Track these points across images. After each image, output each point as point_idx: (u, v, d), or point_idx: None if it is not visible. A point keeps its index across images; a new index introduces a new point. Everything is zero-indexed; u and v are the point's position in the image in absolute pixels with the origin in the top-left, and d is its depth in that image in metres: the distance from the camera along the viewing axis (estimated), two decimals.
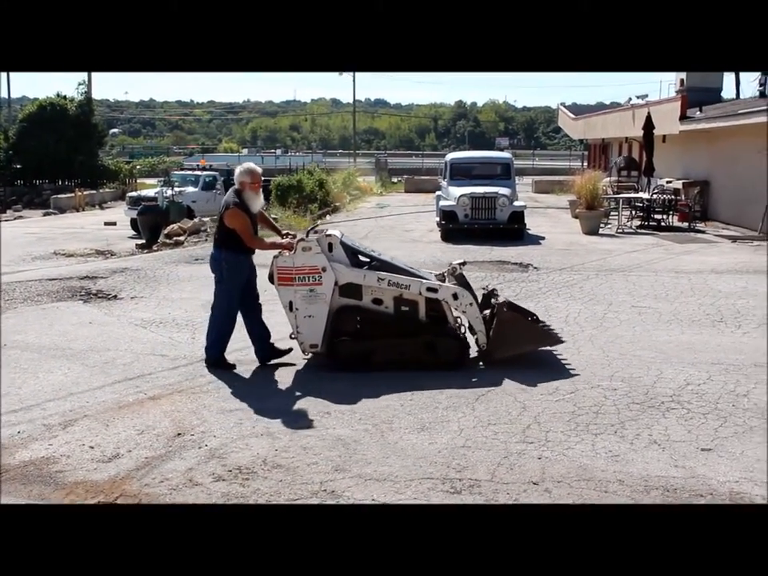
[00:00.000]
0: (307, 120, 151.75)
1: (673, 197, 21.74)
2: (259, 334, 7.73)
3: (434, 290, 7.53)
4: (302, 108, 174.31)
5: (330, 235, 7.51)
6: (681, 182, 23.57)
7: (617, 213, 21.19)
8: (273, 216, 20.64)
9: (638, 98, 32.66)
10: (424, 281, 7.60)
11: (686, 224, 20.83)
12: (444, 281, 7.91)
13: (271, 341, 7.78)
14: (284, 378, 7.20)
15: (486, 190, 17.99)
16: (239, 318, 7.69)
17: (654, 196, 21.50)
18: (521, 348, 7.58)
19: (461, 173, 19.59)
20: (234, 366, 7.57)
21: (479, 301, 7.88)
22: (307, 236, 7.44)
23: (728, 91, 52.71)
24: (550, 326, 8.30)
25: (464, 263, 8.23)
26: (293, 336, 7.60)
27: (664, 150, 25.39)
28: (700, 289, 11.58)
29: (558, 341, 7.89)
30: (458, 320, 7.76)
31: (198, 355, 7.85)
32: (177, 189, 22.76)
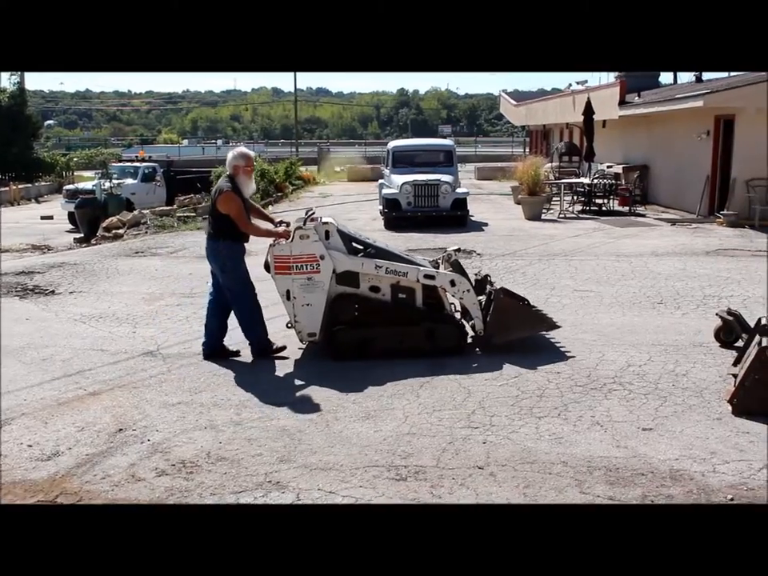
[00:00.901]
0: (248, 110, 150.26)
1: (613, 181, 22.02)
2: (214, 329, 7.59)
3: (432, 277, 7.55)
4: (243, 97, 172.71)
5: (326, 223, 7.43)
6: (621, 166, 23.90)
7: (558, 198, 21.41)
8: None
9: (578, 83, 32.98)
10: (421, 268, 7.63)
11: (626, 208, 21.12)
12: (438, 267, 7.96)
13: (224, 341, 7.65)
14: (228, 371, 7.11)
15: (428, 177, 18.01)
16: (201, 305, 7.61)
17: (595, 181, 21.76)
18: (518, 333, 7.60)
19: (403, 161, 19.57)
20: (284, 348, 7.57)
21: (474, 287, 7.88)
22: (304, 224, 7.30)
23: (666, 76, 53.63)
24: (542, 311, 8.31)
25: (459, 249, 8.26)
26: (289, 325, 7.56)
27: (604, 135, 25.70)
28: (640, 271, 11.75)
29: (553, 326, 7.89)
30: (453, 306, 7.82)
31: (140, 349, 7.73)
32: (115, 181, 22.38)
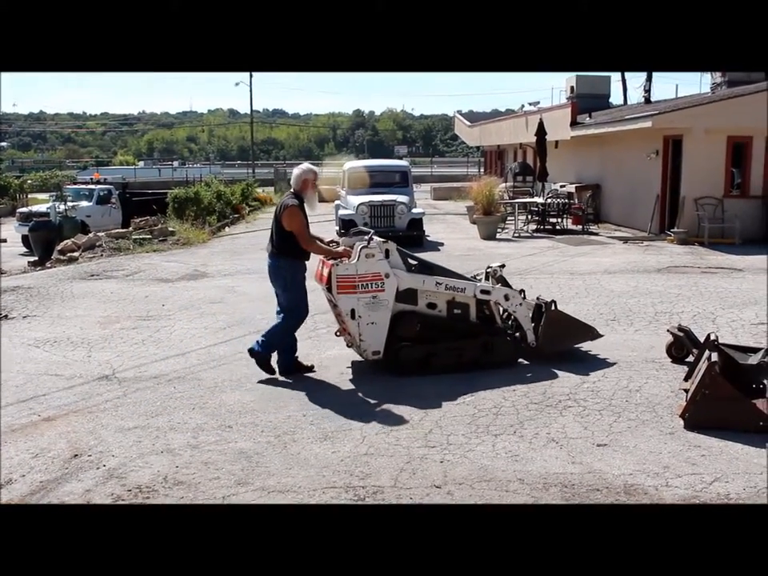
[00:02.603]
0: (204, 131, 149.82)
1: (566, 201, 22.33)
2: (288, 346, 7.67)
3: (488, 292, 7.80)
4: (199, 119, 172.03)
5: (386, 241, 7.54)
6: (574, 186, 24.23)
7: (513, 217, 21.65)
8: (170, 229, 20.40)
9: (530, 104, 33.49)
10: (478, 284, 7.88)
11: (579, 227, 21.42)
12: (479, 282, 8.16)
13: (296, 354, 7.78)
14: (184, 393, 7.08)
15: (384, 198, 18.13)
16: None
17: (549, 200, 22.05)
18: (566, 343, 8.02)
19: (359, 181, 19.66)
20: (312, 368, 7.68)
21: None
22: (368, 243, 7.35)
23: (616, 97, 54.46)
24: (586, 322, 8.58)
25: (503, 265, 8.52)
26: (338, 334, 8.03)
27: (557, 156, 26.04)
28: (594, 289, 11.92)
29: (597, 335, 8.17)
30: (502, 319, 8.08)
31: (95, 373, 7.67)
32: (70, 203, 22.14)
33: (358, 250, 7.31)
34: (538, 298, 8.38)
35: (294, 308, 7.50)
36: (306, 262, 7.56)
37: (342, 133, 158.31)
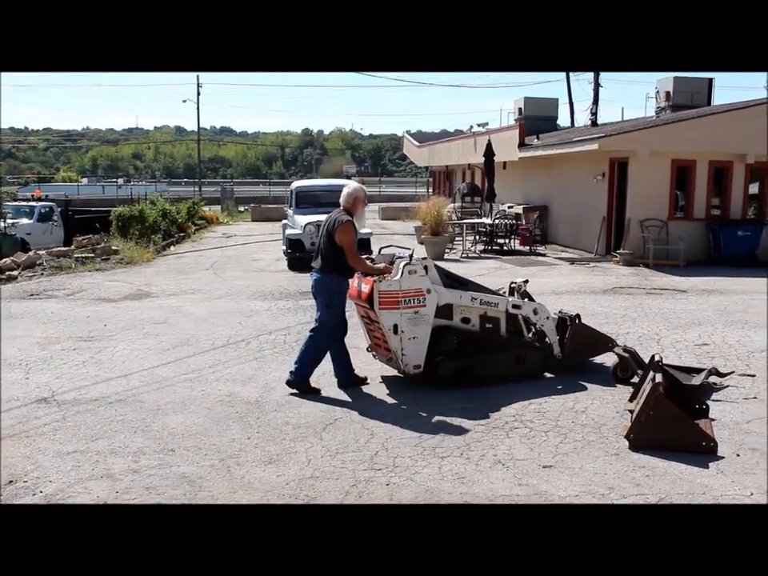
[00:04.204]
0: (150, 148, 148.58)
1: (514, 221, 22.54)
2: (342, 359, 7.86)
3: (519, 307, 8.15)
4: (145, 136, 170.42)
5: (425, 258, 7.92)
6: (521, 207, 24.45)
7: (461, 238, 21.75)
8: (114, 247, 20.09)
9: (479, 125, 33.79)
10: (510, 299, 8.24)
11: (527, 247, 21.61)
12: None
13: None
14: (125, 416, 6.91)
15: None
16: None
17: (496, 221, 22.21)
18: (590, 354, 8.39)
19: (307, 201, 19.54)
20: (319, 391, 7.62)
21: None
22: (411, 260, 7.53)
23: (564, 120, 55.30)
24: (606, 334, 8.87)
25: (527, 281, 8.88)
26: (369, 349, 8.26)
27: (505, 177, 26.29)
28: None
29: (615, 345, 8.38)
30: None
31: (33, 396, 7.46)
32: (9, 221, 21.72)
33: (401, 266, 7.48)
34: (560, 312, 8.67)
35: (332, 324, 7.67)
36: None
37: (290, 151, 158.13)
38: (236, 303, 12.88)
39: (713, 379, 7.70)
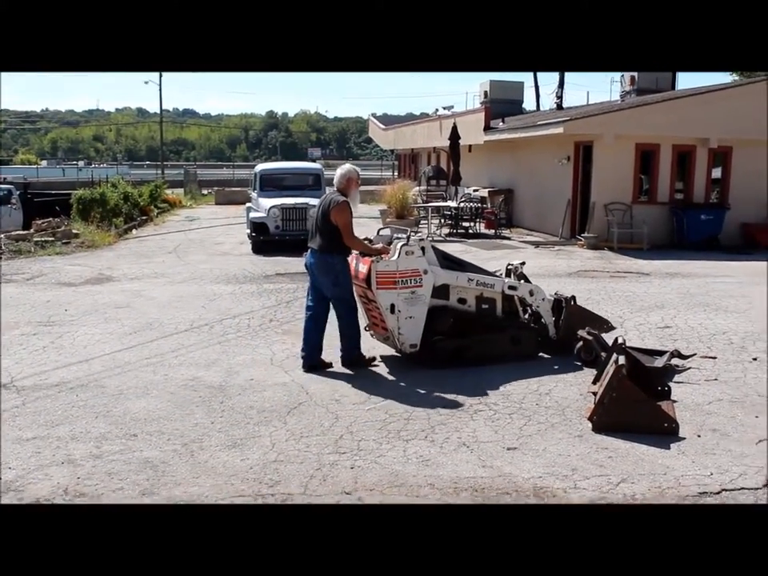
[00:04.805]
0: (112, 130, 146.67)
1: (479, 205, 22.54)
2: (316, 343, 7.85)
3: (515, 288, 8.26)
4: (106, 117, 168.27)
5: (422, 239, 8.07)
6: (487, 190, 24.47)
7: (426, 221, 21.74)
8: (74, 231, 19.82)
9: (444, 108, 33.67)
10: (506, 280, 8.33)
11: (492, 231, 21.65)
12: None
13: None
14: (87, 401, 6.82)
15: (296, 200, 17.93)
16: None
17: (462, 204, 22.21)
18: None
19: (271, 184, 19.42)
20: (374, 359, 7.99)
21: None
22: (408, 241, 7.60)
23: (529, 103, 55.38)
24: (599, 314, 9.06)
25: (524, 263, 8.95)
26: (367, 328, 8.35)
27: (470, 160, 26.30)
28: None
29: (611, 327, 8.65)
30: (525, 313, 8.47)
31: None
32: None
33: (398, 247, 7.56)
34: (556, 293, 8.81)
35: (348, 299, 7.78)
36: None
37: (254, 134, 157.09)
38: (199, 287, 12.78)
39: (675, 361, 7.77)
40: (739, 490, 5.03)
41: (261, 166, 21.42)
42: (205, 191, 44.54)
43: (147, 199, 28.69)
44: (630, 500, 4.84)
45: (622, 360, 6.25)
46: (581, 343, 7.97)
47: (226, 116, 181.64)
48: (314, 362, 7.77)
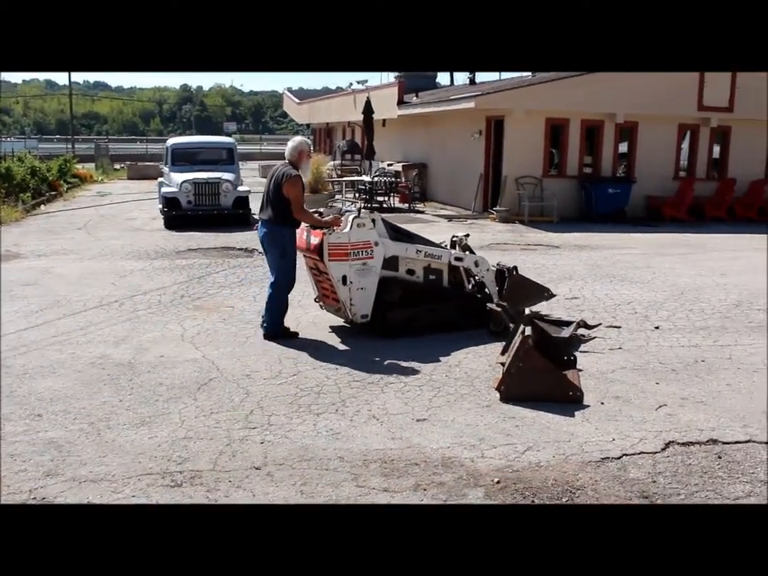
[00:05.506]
0: (19, 103, 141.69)
1: (393, 179, 22.61)
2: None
3: (461, 259, 8.46)
4: (12, 89, 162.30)
5: (373, 211, 8.28)
6: (401, 164, 24.56)
7: (341, 196, 21.71)
8: None
9: (358, 83, 33.55)
10: (452, 251, 8.52)
11: (406, 205, 21.75)
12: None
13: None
14: None
15: (209, 175, 17.69)
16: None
17: (376, 179, 22.24)
18: (527, 303, 8.46)
19: (183, 158, 19.06)
20: (297, 334, 8.02)
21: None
22: (359, 214, 7.81)
23: (444, 78, 55.65)
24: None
25: (467, 235, 9.05)
26: (317, 300, 8.63)
27: (385, 134, 26.31)
28: None
29: (551, 295, 8.83)
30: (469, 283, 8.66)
31: None
32: None
33: (350, 219, 7.70)
34: (498, 264, 8.96)
35: (288, 272, 7.91)
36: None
37: (168, 108, 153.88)
38: (110, 263, 12.53)
39: (581, 331, 7.97)
40: (639, 454, 5.22)
41: (173, 140, 21.03)
42: (117, 166, 43.56)
43: (56, 174, 27.91)
44: (535, 467, 4.98)
45: (528, 331, 6.39)
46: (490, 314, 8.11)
47: (139, 89, 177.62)
48: (276, 332, 7.98)
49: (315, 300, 8.73)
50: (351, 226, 7.66)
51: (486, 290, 8.60)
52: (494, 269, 8.74)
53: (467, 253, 8.68)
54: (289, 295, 8.07)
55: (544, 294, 8.82)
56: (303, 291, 9.27)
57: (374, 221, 7.83)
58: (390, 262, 7.98)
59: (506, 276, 8.66)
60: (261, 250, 13.35)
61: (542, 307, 9.14)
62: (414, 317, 8.13)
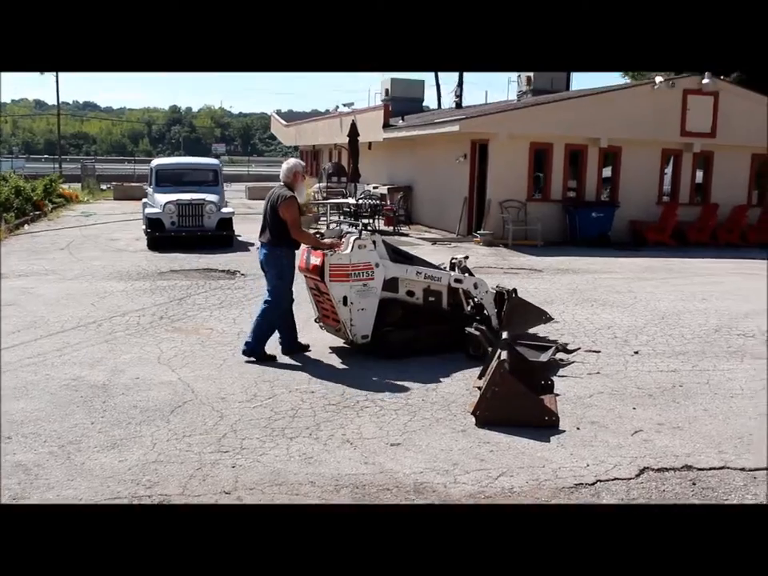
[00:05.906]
0: (8, 122, 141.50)
1: (378, 202, 22.64)
2: (287, 329, 8.18)
3: (460, 281, 8.52)
4: (2, 109, 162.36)
5: (374, 233, 8.42)
6: (386, 187, 24.61)
7: (326, 218, 21.71)
8: None
9: (344, 105, 33.74)
10: (452, 273, 8.59)
11: (391, 228, 21.76)
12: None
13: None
14: None
15: (192, 196, 17.65)
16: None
17: (361, 201, 22.26)
18: (526, 326, 8.76)
19: (167, 179, 19.02)
20: (275, 358, 7.96)
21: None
22: (360, 235, 7.90)
23: (431, 101, 55.91)
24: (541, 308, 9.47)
25: (467, 257, 9.20)
26: (316, 320, 8.68)
27: (370, 157, 26.38)
28: None
29: (549, 318, 9.16)
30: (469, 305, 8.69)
31: None
32: None
33: (351, 241, 7.79)
34: (497, 286, 9.08)
35: (282, 294, 7.97)
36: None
37: (157, 128, 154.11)
38: (90, 284, 12.45)
39: (560, 356, 7.97)
40: (613, 480, 5.19)
41: (157, 161, 20.97)
42: (104, 186, 43.47)
43: (41, 194, 27.77)
44: (508, 493, 4.95)
45: (504, 355, 6.37)
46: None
47: (129, 110, 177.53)
48: (291, 347, 8.14)
49: (315, 320, 8.74)
50: (352, 247, 7.74)
51: (485, 311, 8.62)
52: (494, 291, 8.78)
53: (467, 275, 8.71)
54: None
55: (542, 317, 8.91)
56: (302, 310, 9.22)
57: (374, 242, 7.91)
58: (391, 284, 8.06)
59: (506, 298, 8.73)
60: (242, 272, 13.43)
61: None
62: (414, 338, 8.17)
